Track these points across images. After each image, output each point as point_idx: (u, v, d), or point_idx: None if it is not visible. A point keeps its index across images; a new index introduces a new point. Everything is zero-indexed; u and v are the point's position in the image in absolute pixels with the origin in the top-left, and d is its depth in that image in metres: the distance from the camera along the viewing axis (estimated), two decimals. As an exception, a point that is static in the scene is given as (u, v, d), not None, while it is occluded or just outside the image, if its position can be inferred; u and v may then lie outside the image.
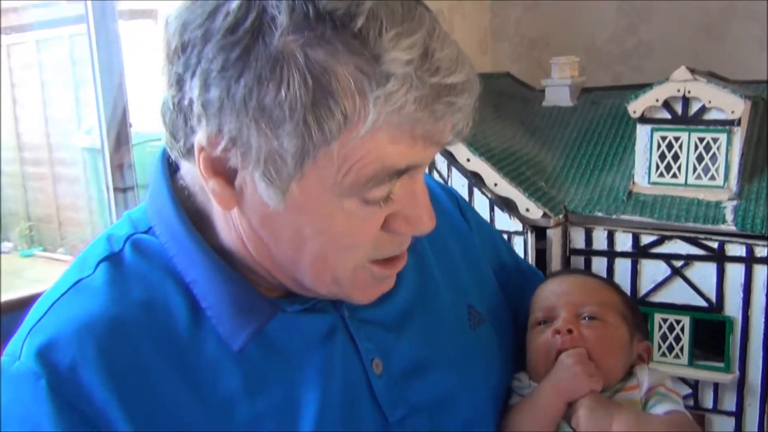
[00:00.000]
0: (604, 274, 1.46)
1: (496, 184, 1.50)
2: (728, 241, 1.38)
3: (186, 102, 0.55)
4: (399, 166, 0.55)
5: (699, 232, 1.41)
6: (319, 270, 0.60)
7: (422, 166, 0.59)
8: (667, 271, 1.44)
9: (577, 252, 1.50)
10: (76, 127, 2.65)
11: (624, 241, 1.46)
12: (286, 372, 0.62)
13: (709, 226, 1.40)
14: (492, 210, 1.51)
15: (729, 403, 1.45)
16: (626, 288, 1.42)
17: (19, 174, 3.09)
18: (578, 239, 1.50)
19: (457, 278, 0.78)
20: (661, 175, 1.47)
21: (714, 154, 1.43)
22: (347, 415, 0.63)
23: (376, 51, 0.50)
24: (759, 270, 1.37)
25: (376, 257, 0.62)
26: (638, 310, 0.84)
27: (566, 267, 1.50)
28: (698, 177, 1.45)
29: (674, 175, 1.46)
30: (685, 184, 1.45)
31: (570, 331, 0.74)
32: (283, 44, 0.50)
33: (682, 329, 1.44)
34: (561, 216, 1.49)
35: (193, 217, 0.63)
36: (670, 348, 1.46)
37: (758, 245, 1.36)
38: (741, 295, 1.39)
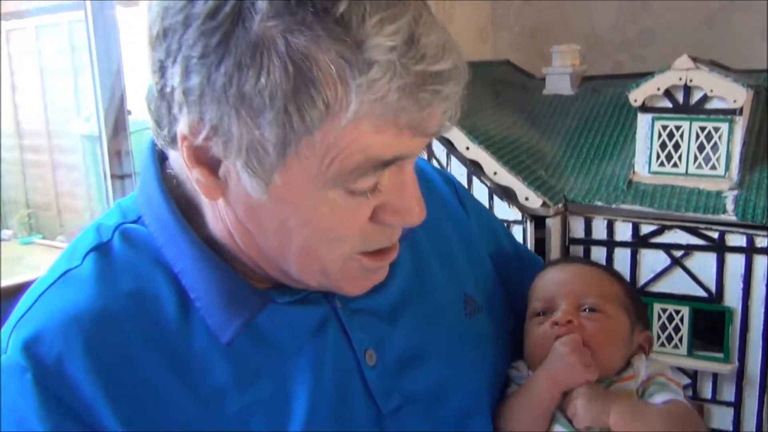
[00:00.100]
0: (604, 264, 1.45)
1: (495, 173, 1.49)
2: (729, 231, 1.37)
3: (168, 89, 0.53)
4: (384, 157, 0.53)
5: (699, 222, 1.40)
6: (306, 262, 0.59)
7: (411, 157, 0.57)
8: (667, 261, 1.43)
9: (576, 241, 1.50)
10: (75, 114, 2.64)
11: (624, 231, 1.45)
12: (277, 364, 0.62)
13: (710, 216, 1.39)
14: (491, 199, 1.50)
15: (728, 393, 1.44)
16: (625, 278, 1.42)
17: (19, 161, 3.09)
18: (578, 228, 1.49)
19: (453, 266, 0.77)
20: (662, 164, 1.46)
21: (715, 143, 1.42)
22: (339, 407, 0.62)
23: (359, 37, 0.49)
24: (759, 260, 1.36)
25: (366, 249, 0.60)
26: (639, 299, 0.83)
27: (565, 256, 1.49)
28: (699, 166, 1.44)
29: (675, 165, 1.45)
30: (686, 174, 1.44)
31: (570, 322, 0.73)
32: (263, 30, 0.49)
33: (682, 319, 1.44)
34: (560, 205, 1.49)
35: (183, 206, 0.62)
36: (669, 338, 1.45)
37: (759, 235, 1.35)
38: (741, 285, 1.38)
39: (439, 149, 1.54)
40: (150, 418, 0.57)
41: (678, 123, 1.43)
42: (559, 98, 1.76)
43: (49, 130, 3.04)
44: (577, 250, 1.50)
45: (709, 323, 1.44)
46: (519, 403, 0.71)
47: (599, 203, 1.47)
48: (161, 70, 0.54)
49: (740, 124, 1.39)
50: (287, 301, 0.63)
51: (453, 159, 1.53)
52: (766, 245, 1.35)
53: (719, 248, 1.38)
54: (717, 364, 1.43)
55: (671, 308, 1.44)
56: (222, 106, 0.50)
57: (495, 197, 1.50)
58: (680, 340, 1.45)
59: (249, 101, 0.50)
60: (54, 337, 0.57)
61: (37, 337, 0.57)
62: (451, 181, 0.85)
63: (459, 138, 1.51)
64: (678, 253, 1.42)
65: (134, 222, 0.64)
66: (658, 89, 1.42)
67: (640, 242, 1.44)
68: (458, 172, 1.52)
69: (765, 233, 1.35)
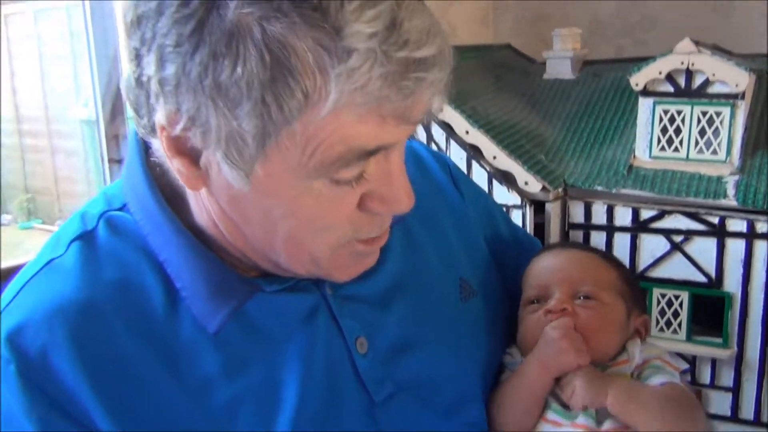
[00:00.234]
0: (603, 249, 1.44)
1: (495, 157, 1.49)
2: (729, 216, 1.37)
3: (145, 78, 0.52)
4: (367, 147, 0.52)
5: (700, 207, 1.39)
6: (294, 251, 0.58)
7: (396, 145, 0.55)
8: (667, 246, 1.42)
9: (575, 226, 1.49)
10: (75, 99, 2.63)
11: (623, 216, 1.45)
12: (266, 354, 0.60)
13: (710, 201, 1.38)
14: (490, 183, 1.49)
15: (726, 378, 1.44)
16: (625, 263, 1.41)
17: (18, 146, 3.08)
18: (577, 213, 1.48)
19: (447, 250, 0.76)
20: (663, 149, 1.45)
21: (717, 128, 1.41)
22: (330, 396, 0.61)
23: (338, 23, 0.47)
24: (759, 245, 1.35)
25: (357, 237, 0.59)
26: (637, 284, 0.82)
27: (571, 241, 1.48)
28: (700, 151, 1.43)
29: (676, 150, 1.44)
30: (687, 159, 1.44)
31: (564, 311, 0.71)
32: (238, 17, 0.47)
33: (681, 305, 1.43)
34: (560, 190, 1.48)
35: (168, 194, 0.61)
36: (668, 323, 1.45)
37: (759, 220, 1.35)
38: (741, 270, 1.38)
39: (438, 133, 1.53)
40: (137, 410, 0.56)
41: (679, 107, 1.42)
42: (560, 82, 1.75)
43: (48, 115, 3.03)
44: (577, 235, 1.49)
45: (709, 308, 1.43)
46: (511, 390, 0.70)
47: (599, 188, 1.47)
48: (137, 58, 0.52)
49: (742, 108, 1.38)
50: (276, 289, 0.62)
51: (452, 143, 1.52)
52: (766, 230, 1.34)
53: (719, 233, 1.38)
54: (716, 350, 1.42)
55: (671, 293, 1.44)
56: (198, 97, 0.49)
57: (494, 182, 1.49)
58: (679, 325, 1.44)
59: (225, 91, 0.48)
60: (38, 329, 0.56)
61: (21, 328, 0.56)
62: (446, 163, 0.83)
63: (458, 122, 1.50)
64: (678, 239, 1.41)
65: (119, 209, 0.63)
66: (660, 73, 1.41)
67: (640, 227, 1.44)
68: (458, 156, 1.51)
69: (765, 218, 1.34)
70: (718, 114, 1.40)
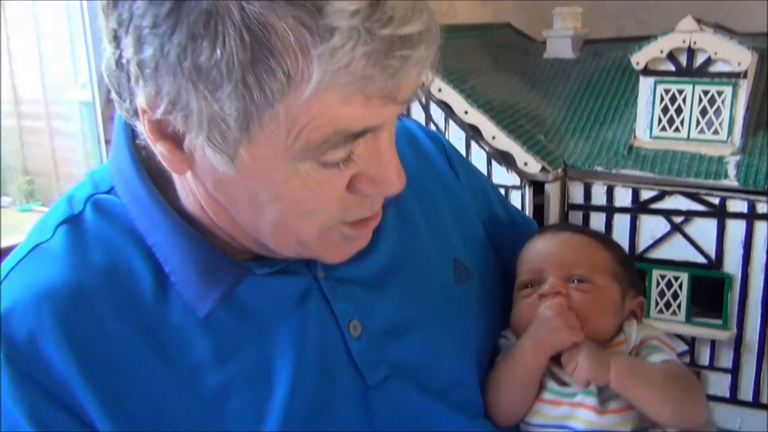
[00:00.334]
0: (603, 230, 1.43)
1: (494, 137, 1.47)
2: (730, 197, 1.36)
3: (124, 60, 0.50)
4: (353, 129, 0.50)
5: (700, 188, 1.38)
6: (281, 234, 0.57)
7: (384, 126, 0.53)
8: (667, 227, 1.41)
9: (575, 207, 1.48)
10: (73, 80, 2.61)
11: (623, 197, 1.44)
12: (258, 338, 0.60)
13: (711, 182, 1.37)
14: (489, 164, 1.48)
15: (725, 360, 1.44)
16: (624, 244, 1.41)
17: (16, 128, 3.07)
18: (577, 194, 1.47)
19: (442, 231, 0.75)
20: (664, 129, 1.44)
21: (718, 107, 1.39)
22: (323, 381, 0.61)
23: (319, 1, 0.45)
24: (760, 226, 1.34)
25: (347, 219, 0.57)
26: (632, 265, 0.81)
27: (564, 222, 1.47)
28: (701, 131, 1.41)
29: (677, 129, 1.43)
30: (688, 139, 1.42)
31: (558, 295, 0.71)
32: None
33: (680, 286, 1.43)
34: (560, 170, 1.47)
35: (155, 177, 0.60)
36: (668, 305, 1.44)
37: (760, 201, 1.34)
38: (741, 251, 1.37)
39: (437, 113, 1.52)
40: (126, 395, 0.55)
41: (681, 86, 1.41)
42: (560, 62, 1.73)
43: (46, 96, 3.01)
44: (576, 216, 1.48)
45: (708, 290, 1.43)
46: (506, 372, 0.70)
47: (599, 168, 1.45)
48: (116, 40, 0.50)
49: (744, 87, 1.37)
50: (266, 272, 0.61)
51: (451, 123, 1.50)
52: (767, 211, 1.33)
53: (720, 214, 1.37)
54: (715, 331, 1.42)
55: (670, 275, 1.43)
56: (178, 79, 0.47)
57: (493, 162, 1.48)
58: (678, 306, 1.44)
59: (206, 74, 0.46)
60: (24, 314, 0.55)
61: (8, 314, 0.55)
62: (441, 142, 0.82)
63: (458, 102, 1.48)
64: (678, 219, 1.40)
65: (107, 193, 0.62)
66: (661, 52, 1.39)
67: (639, 208, 1.43)
68: (457, 136, 1.50)
69: (766, 199, 1.33)
70: (719, 93, 1.38)
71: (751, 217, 1.35)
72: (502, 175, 1.47)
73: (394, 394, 0.64)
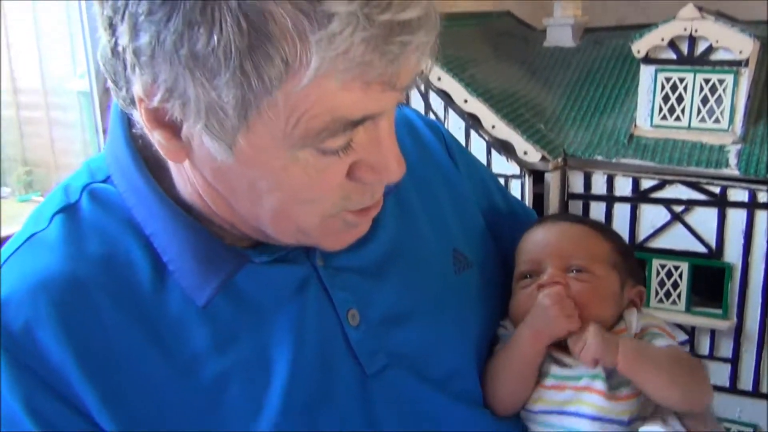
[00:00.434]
0: (603, 220, 1.43)
1: (493, 126, 1.46)
2: (730, 186, 1.35)
3: (120, 48, 0.50)
4: (353, 116, 0.50)
5: (701, 177, 1.37)
6: (281, 222, 0.57)
7: (383, 113, 0.53)
8: (667, 217, 1.41)
9: (575, 196, 1.47)
10: (72, 70, 2.60)
11: (624, 186, 1.43)
12: (256, 327, 0.59)
13: (712, 171, 1.36)
14: (489, 153, 1.47)
15: (725, 349, 1.44)
16: (624, 233, 1.40)
17: (15, 119, 3.06)
18: (577, 183, 1.47)
19: (441, 220, 0.75)
20: (664, 117, 1.43)
21: (719, 96, 1.38)
22: (322, 370, 0.61)
23: None
24: (761, 215, 1.34)
25: (348, 208, 0.57)
26: (631, 254, 0.81)
27: (564, 212, 1.47)
28: (702, 120, 1.41)
29: (677, 118, 1.42)
30: (689, 127, 1.41)
31: (557, 283, 0.71)
32: None
33: (681, 275, 1.42)
34: (560, 159, 1.46)
35: (152, 166, 0.59)
36: (668, 294, 1.44)
37: (761, 190, 1.33)
38: (742, 241, 1.36)
39: (436, 102, 1.51)
40: (124, 386, 0.55)
41: (682, 75, 1.40)
42: (560, 50, 1.71)
43: (45, 87, 3.00)
44: (576, 206, 1.48)
45: (709, 279, 1.42)
46: (504, 360, 0.70)
47: (599, 157, 1.44)
48: (111, 27, 0.50)
49: (746, 75, 1.36)
50: (265, 260, 0.60)
51: (451, 112, 1.49)
52: (767, 200, 1.33)
53: (720, 203, 1.36)
54: (715, 321, 1.41)
55: (670, 264, 1.43)
56: (175, 67, 0.47)
57: (493, 151, 1.47)
58: (679, 296, 1.43)
59: (203, 61, 0.46)
60: (20, 304, 0.55)
61: (3, 304, 0.55)
62: (440, 131, 0.82)
63: (457, 91, 1.47)
64: (678, 209, 1.40)
65: (103, 182, 0.62)
66: (662, 40, 1.38)
67: (640, 197, 1.42)
68: (456, 125, 1.49)
69: (767, 188, 1.32)
70: (720, 82, 1.37)
71: (752, 206, 1.34)
72: (501, 165, 1.46)
73: (393, 383, 0.63)
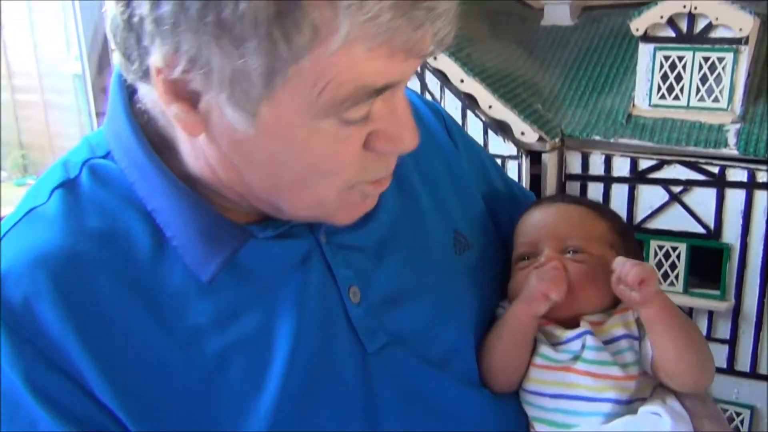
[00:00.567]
0: (600, 200, 1.42)
1: (490, 107, 1.45)
2: (729, 166, 1.34)
3: (136, 19, 0.49)
4: (377, 84, 0.50)
5: (700, 157, 1.36)
6: (300, 195, 0.57)
7: (403, 82, 0.54)
8: (665, 197, 1.39)
9: (572, 177, 1.46)
10: (66, 52, 2.58)
11: (621, 166, 1.41)
12: (259, 301, 0.59)
13: (711, 150, 1.35)
14: (486, 133, 1.45)
15: (723, 330, 1.43)
16: (622, 214, 1.39)
17: (11, 102, 3.04)
18: (574, 164, 1.45)
19: (442, 202, 0.75)
20: (663, 97, 1.41)
21: (719, 74, 1.36)
22: (323, 345, 0.61)
23: None
24: (760, 195, 1.33)
25: (366, 179, 0.58)
26: (630, 234, 0.81)
27: (561, 193, 1.46)
28: (701, 99, 1.39)
29: (676, 97, 1.40)
30: (687, 107, 1.40)
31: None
32: None
33: (679, 256, 1.41)
34: (557, 140, 1.44)
35: (155, 143, 0.59)
36: (666, 275, 1.43)
37: (760, 170, 1.32)
38: (740, 221, 1.35)
39: (432, 82, 1.49)
40: (124, 359, 0.55)
41: (681, 53, 1.38)
42: (558, 29, 1.69)
43: (39, 69, 2.98)
44: (574, 186, 1.46)
45: (707, 260, 1.41)
46: (498, 333, 0.70)
47: (597, 138, 1.43)
48: None
49: (745, 53, 1.34)
50: (269, 235, 0.60)
51: (447, 92, 1.48)
52: (767, 180, 1.31)
53: (719, 183, 1.35)
54: (713, 302, 1.41)
55: (668, 245, 1.42)
56: (200, 36, 0.46)
57: (490, 132, 1.45)
58: (676, 277, 1.42)
59: (229, 28, 0.45)
60: (20, 279, 0.54)
61: (3, 278, 0.54)
62: (439, 112, 0.82)
63: (453, 70, 1.46)
64: (677, 189, 1.38)
65: (103, 157, 0.61)
66: (661, 17, 1.36)
67: (638, 178, 1.41)
68: (452, 105, 1.47)
69: (766, 168, 1.31)
70: (720, 60, 1.35)
71: (750, 186, 1.33)
72: (498, 145, 1.44)
73: (393, 361, 0.63)
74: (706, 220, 1.38)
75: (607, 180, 1.43)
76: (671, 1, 1.35)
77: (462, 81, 1.46)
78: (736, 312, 1.41)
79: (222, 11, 0.45)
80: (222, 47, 0.46)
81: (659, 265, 1.43)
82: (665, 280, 1.43)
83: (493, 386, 0.69)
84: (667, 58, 1.39)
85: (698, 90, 1.38)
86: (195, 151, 0.57)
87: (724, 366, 1.44)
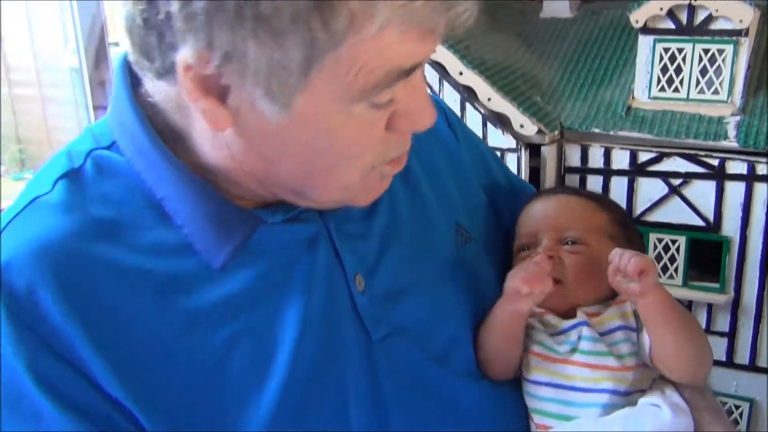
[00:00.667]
0: (595, 192, 1.41)
1: (489, 99, 1.44)
2: (729, 158, 1.33)
3: (161, 16, 0.48)
4: (406, 65, 0.51)
5: (699, 149, 1.35)
6: (329, 181, 0.57)
7: (425, 62, 0.55)
8: (665, 190, 1.39)
9: (572, 170, 1.46)
10: (63, 46, 2.57)
11: (621, 159, 1.41)
12: (268, 286, 0.60)
13: (710, 143, 1.34)
14: (485, 126, 1.45)
15: (722, 323, 1.43)
16: (618, 204, 1.38)
17: (8, 96, 3.03)
18: (574, 157, 1.45)
19: (444, 194, 0.75)
20: (662, 89, 1.40)
21: (719, 66, 1.36)
22: (330, 331, 0.61)
23: None
24: (759, 188, 1.32)
25: (386, 159, 0.59)
26: (631, 225, 0.81)
27: (561, 186, 1.45)
28: (701, 91, 1.38)
29: (676, 90, 1.40)
30: (687, 99, 1.39)
31: (551, 258, 0.71)
32: None
33: (678, 249, 1.41)
34: (556, 132, 1.44)
35: (162, 133, 0.59)
36: (665, 268, 1.43)
37: (760, 162, 1.31)
38: (740, 214, 1.35)
39: (431, 74, 1.48)
40: (129, 347, 0.55)
41: (680, 45, 1.37)
42: (557, 21, 1.68)
43: (36, 64, 2.97)
44: (573, 179, 1.46)
45: (706, 253, 1.41)
46: (488, 330, 0.70)
47: (596, 130, 1.42)
48: None
49: (745, 45, 1.33)
50: (279, 220, 0.61)
51: (446, 85, 1.47)
52: (767, 172, 1.31)
53: (719, 176, 1.34)
54: (712, 295, 1.41)
55: (668, 238, 1.41)
56: (236, 30, 0.46)
57: (489, 124, 1.45)
58: (676, 270, 1.42)
59: (268, 21, 0.46)
60: (23, 267, 0.54)
61: (6, 267, 0.54)
62: (440, 106, 0.82)
63: (452, 63, 1.45)
64: (676, 182, 1.38)
65: (108, 148, 0.61)
66: (661, 9, 1.35)
67: (637, 170, 1.40)
68: (451, 98, 1.46)
69: (766, 160, 1.31)
70: (720, 52, 1.35)
71: (750, 178, 1.32)
72: (497, 138, 1.44)
73: (396, 351, 0.64)
74: (706, 212, 1.37)
75: (607, 173, 1.43)
76: (671, -7, 1.35)
77: (461, 73, 1.45)
78: (736, 305, 1.40)
79: (260, 4, 0.45)
80: (259, 40, 0.46)
81: (658, 257, 1.42)
82: (664, 273, 1.43)
83: (491, 375, 0.70)
84: (666, 50, 1.38)
85: (698, 82, 1.38)
86: (216, 144, 0.57)
87: (724, 359, 1.44)
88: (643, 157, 1.39)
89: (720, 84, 1.36)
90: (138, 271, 0.56)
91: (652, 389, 0.68)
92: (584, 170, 1.45)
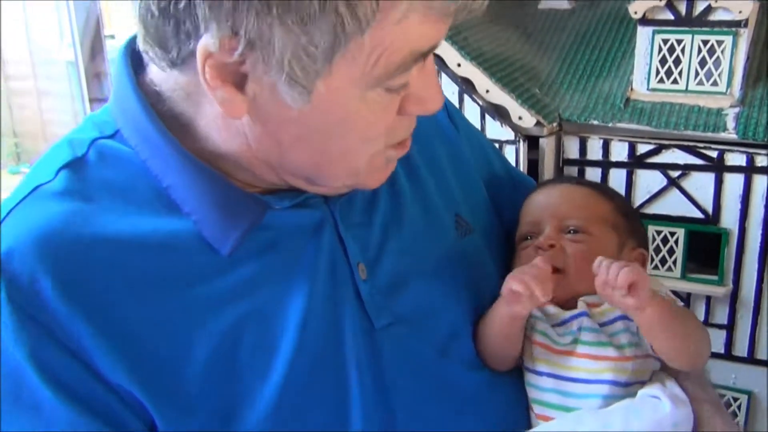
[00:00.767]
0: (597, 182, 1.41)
1: (487, 91, 1.43)
2: (728, 150, 1.33)
3: (180, 6, 0.49)
4: (423, 48, 0.52)
5: (698, 141, 1.35)
6: (343, 165, 0.58)
7: (440, 44, 0.56)
8: (663, 182, 1.39)
9: (570, 162, 1.45)
10: (59, 40, 2.56)
11: (619, 151, 1.41)
12: (274, 271, 0.60)
13: (709, 135, 1.34)
14: (483, 118, 1.44)
15: (721, 316, 1.43)
16: (620, 194, 1.38)
17: (4, 90, 3.02)
18: (572, 149, 1.44)
19: (444, 185, 0.75)
20: (661, 80, 1.40)
21: (718, 58, 1.35)
22: (334, 317, 0.61)
23: None
24: (758, 180, 1.32)
25: (393, 142, 0.59)
26: (634, 216, 0.81)
27: (564, 175, 1.45)
28: (700, 83, 1.38)
29: (675, 81, 1.39)
30: (686, 91, 1.38)
31: (552, 246, 0.71)
32: None
33: (677, 241, 1.41)
34: (555, 124, 1.43)
35: (167, 121, 0.58)
36: (663, 260, 1.43)
37: (759, 154, 1.31)
38: (739, 206, 1.34)
39: (428, 67, 1.48)
40: (132, 335, 0.54)
41: (679, 36, 1.36)
42: (556, 12, 1.68)
43: (32, 57, 2.96)
44: (572, 171, 1.45)
45: (705, 245, 1.41)
46: (486, 326, 0.69)
47: (595, 122, 1.42)
48: None
49: (745, 36, 1.32)
50: (285, 205, 0.61)
51: (444, 76, 1.46)
52: (766, 164, 1.30)
53: (718, 168, 1.34)
54: (711, 287, 1.40)
55: (666, 230, 1.41)
56: (263, 18, 0.47)
57: (487, 116, 1.44)
58: (674, 262, 1.42)
59: (296, 8, 0.46)
60: (25, 256, 0.54)
61: (8, 255, 0.54)
62: None
63: (450, 54, 1.44)
64: (675, 174, 1.38)
65: (111, 137, 0.60)
66: (660, 0, 1.35)
67: (636, 162, 1.40)
68: (449, 90, 1.46)
69: (765, 152, 1.30)
70: (719, 43, 1.34)
71: (749, 170, 1.32)
72: (495, 130, 1.43)
73: (399, 339, 0.64)
74: (705, 204, 1.37)
75: (605, 165, 1.42)
76: (670, -17, 1.34)
77: (459, 65, 1.44)
78: (734, 297, 1.40)
79: None
80: (286, 27, 0.47)
81: (657, 250, 1.42)
82: (663, 266, 1.43)
83: (491, 366, 0.70)
84: (665, 41, 1.38)
85: (697, 73, 1.37)
86: (230, 131, 0.56)
87: (722, 351, 1.44)
88: (642, 149, 1.39)
89: (719, 75, 1.36)
90: (144, 259, 0.56)
91: (652, 381, 0.68)
92: (583, 162, 1.44)
